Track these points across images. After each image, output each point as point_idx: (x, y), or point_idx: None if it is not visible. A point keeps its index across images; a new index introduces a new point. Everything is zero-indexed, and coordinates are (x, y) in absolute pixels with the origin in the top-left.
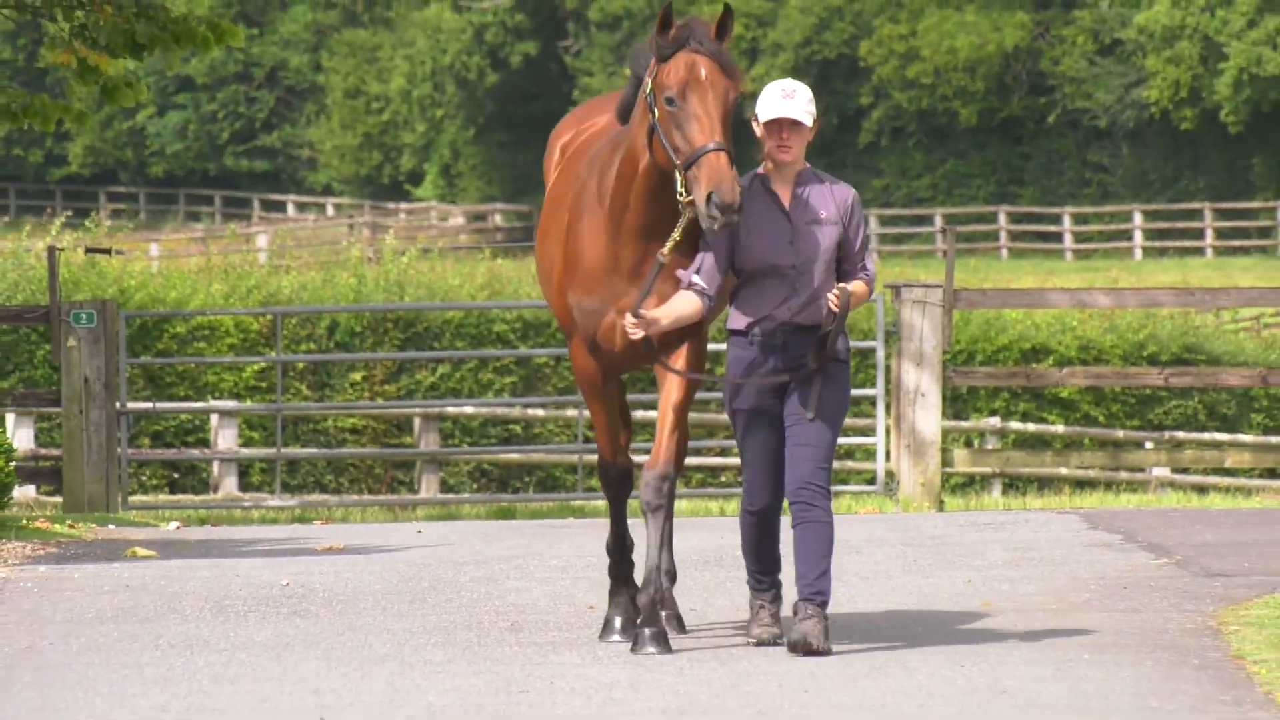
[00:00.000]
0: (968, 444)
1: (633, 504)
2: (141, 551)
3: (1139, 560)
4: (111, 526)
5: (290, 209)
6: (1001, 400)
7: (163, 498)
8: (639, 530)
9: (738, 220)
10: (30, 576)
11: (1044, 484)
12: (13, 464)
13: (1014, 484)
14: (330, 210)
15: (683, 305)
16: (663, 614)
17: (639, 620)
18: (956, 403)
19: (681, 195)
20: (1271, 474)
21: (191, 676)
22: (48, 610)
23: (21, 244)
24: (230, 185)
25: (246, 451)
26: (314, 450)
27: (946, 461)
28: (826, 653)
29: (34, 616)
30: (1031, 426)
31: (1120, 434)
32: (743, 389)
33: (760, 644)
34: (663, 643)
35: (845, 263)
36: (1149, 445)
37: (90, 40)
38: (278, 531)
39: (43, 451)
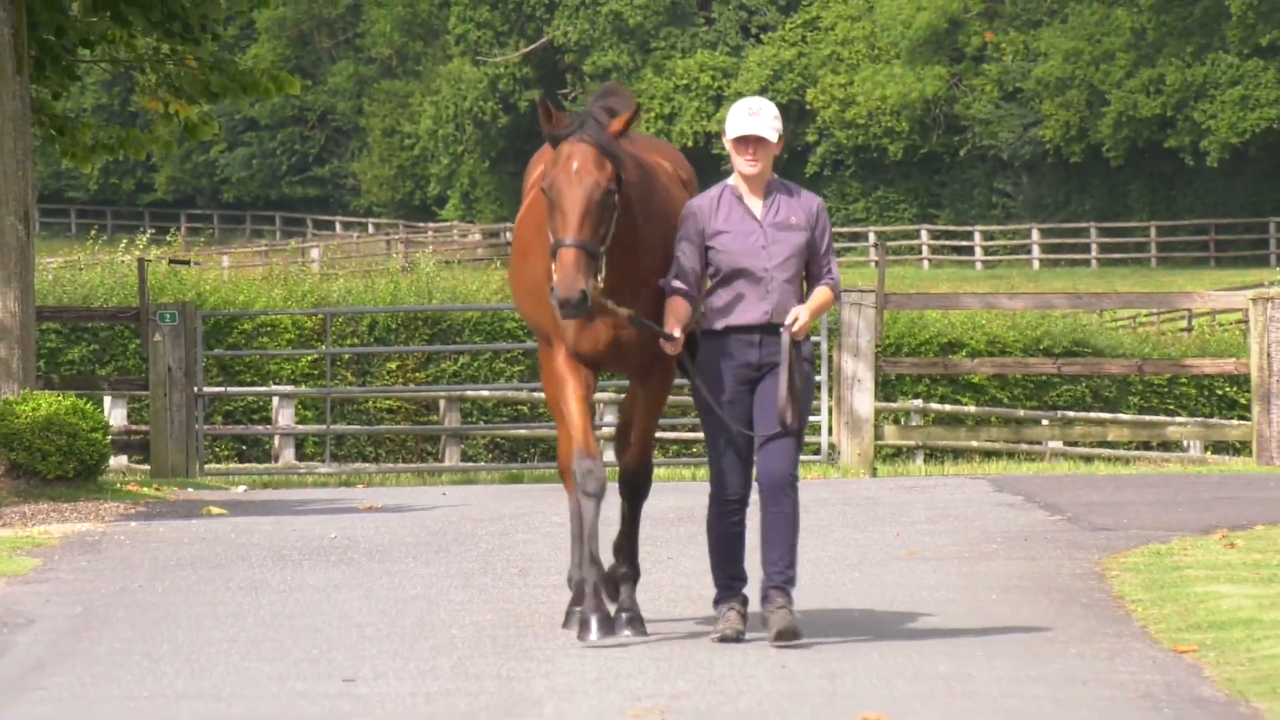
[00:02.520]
0: (896, 421)
1: None
2: (215, 510)
3: (1037, 517)
4: (190, 489)
5: (338, 228)
6: (923, 385)
7: (232, 466)
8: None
9: (577, 315)
10: (123, 530)
11: (958, 454)
12: (109, 437)
13: (934, 454)
14: (371, 229)
15: (680, 309)
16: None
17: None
18: (886, 387)
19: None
20: (1146, 446)
21: (255, 613)
22: (137, 558)
23: (116, 257)
24: (288, 208)
25: (301, 427)
26: (357, 427)
27: (878, 436)
28: (802, 636)
29: (126, 564)
30: (948, 407)
31: (1021, 413)
32: (717, 381)
33: (724, 640)
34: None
35: (813, 265)
36: (1045, 422)
37: (174, 89)
38: (327, 494)
39: (133, 427)
